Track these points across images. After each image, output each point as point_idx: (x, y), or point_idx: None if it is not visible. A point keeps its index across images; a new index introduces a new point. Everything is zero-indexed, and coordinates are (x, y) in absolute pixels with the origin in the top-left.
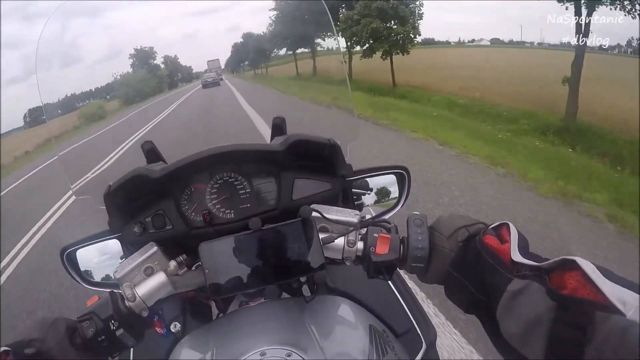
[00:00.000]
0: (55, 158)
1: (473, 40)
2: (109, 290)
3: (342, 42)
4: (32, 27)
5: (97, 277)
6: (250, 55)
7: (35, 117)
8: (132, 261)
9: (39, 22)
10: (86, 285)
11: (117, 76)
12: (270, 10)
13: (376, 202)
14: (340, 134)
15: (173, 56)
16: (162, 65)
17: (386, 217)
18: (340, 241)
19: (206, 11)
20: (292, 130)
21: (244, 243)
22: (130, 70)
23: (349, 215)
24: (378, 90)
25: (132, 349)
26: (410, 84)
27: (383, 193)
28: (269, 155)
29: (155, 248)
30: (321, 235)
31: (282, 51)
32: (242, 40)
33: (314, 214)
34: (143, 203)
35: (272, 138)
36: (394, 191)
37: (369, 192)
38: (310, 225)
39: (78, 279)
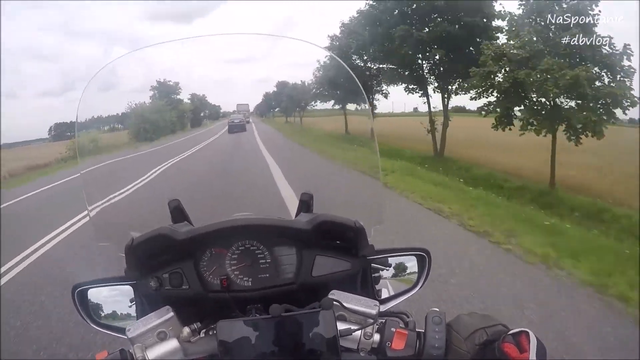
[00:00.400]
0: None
1: None
2: (115, 334)
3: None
4: (74, 45)
5: (105, 317)
6: (283, 103)
7: (59, 132)
8: (146, 323)
9: (82, 42)
10: (93, 326)
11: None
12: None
13: (394, 276)
14: (366, 214)
15: (201, 95)
16: (188, 101)
17: (402, 298)
18: (357, 333)
19: (241, 60)
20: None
21: (262, 326)
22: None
23: (368, 306)
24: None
25: None
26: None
27: (401, 268)
28: (295, 232)
29: (171, 314)
30: (339, 326)
31: (323, 104)
32: (275, 89)
33: (334, 303)
34: (162, 260)
35: (297, 213)
36: (411, 266)
37: (387, 268)
38: (329, 316)
39: (87, 318)
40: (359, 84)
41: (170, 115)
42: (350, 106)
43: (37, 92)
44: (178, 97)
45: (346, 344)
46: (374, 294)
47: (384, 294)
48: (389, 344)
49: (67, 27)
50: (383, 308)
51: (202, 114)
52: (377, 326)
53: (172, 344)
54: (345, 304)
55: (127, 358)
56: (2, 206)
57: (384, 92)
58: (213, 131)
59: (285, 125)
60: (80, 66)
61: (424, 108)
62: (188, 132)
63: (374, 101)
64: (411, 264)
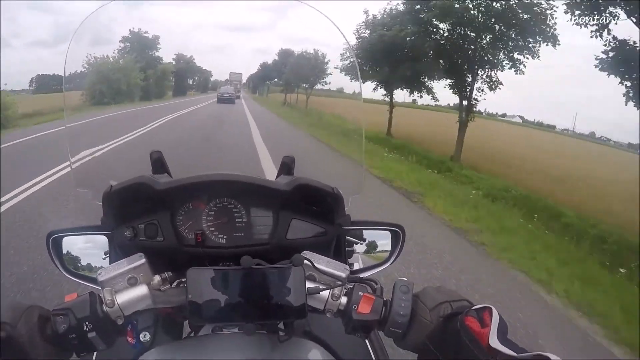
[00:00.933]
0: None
1: (504, 115)
2: (87, 284)
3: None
4: None
5: (78, 267)
6: (284, 75)
7: (41, 84)
8: (117, 267)
9: None
10: (65, 274)
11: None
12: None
13: (366, 252)
14: (345, 184)
15: (188, 56)
16: (172, 62)
17: (374, 271)
18: (325, 292)
19: (240, 28)
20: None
21: (232, 277)
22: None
23: (338, 269)
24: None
25: (95, 352)
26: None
27: (375, 245)
28: (273, 192)
29: (143, 260)
30: (308, 284)
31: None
32: (276, 58)
33: (305, 262)
34: (139, 209)
35: (278, 174)
36: (385, 244)
37: (361, 242)
38: (299, 273)
39: (59, 266)
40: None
41: (138, 76)
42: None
43: (29, 42)
44: (156, 53)
45: (313, 304)
46: (346, 264)
47: (355, 266)
48: (355, 307)
49: None
50: (356, 276)
51: (189, 81)
52: (345, 289)
53: (141, 289)
54: (316, 264)
55: (95, 300)
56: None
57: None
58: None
59: (284, 108)
60: (75, 19)
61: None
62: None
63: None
64: (384, 241)
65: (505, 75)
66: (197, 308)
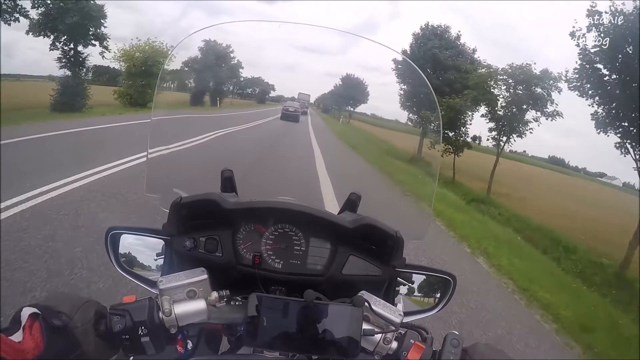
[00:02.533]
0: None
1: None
2: (138, 282)
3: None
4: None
5: (131, 265)
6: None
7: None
8: (178, 278)
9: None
10: (119, 269)
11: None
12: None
13: (410, 294)
14: (409, 227)
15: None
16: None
17: (421, 316)
18: (377, 336)
19: (309, 49)
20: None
21: (291, 307)
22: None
23: (393, 313)
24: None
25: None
26: None
27: (419, 289)
28: (336, 228)
29: (205, 276)
30: (363, 326)
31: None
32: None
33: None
34: (202, 223)
35: (342, 209)
36: (429, 288)
37: (410, 284)
38: (357, 313)
39: (114, 261)
40: (435, 97)
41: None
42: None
43: (112, 38)
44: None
45: (364, 345)
46: (394, 305)
47: (399, 307)
48: (405, 354)
49: None
50: (404, 320)
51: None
52: (396, 334)
53: (199, 304)
54: (373, 306)
55: (154, 307)
56: None
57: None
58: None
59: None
60: (157, 20)
61: None
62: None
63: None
64: (430, 285)
65: None
66: (253, 331)
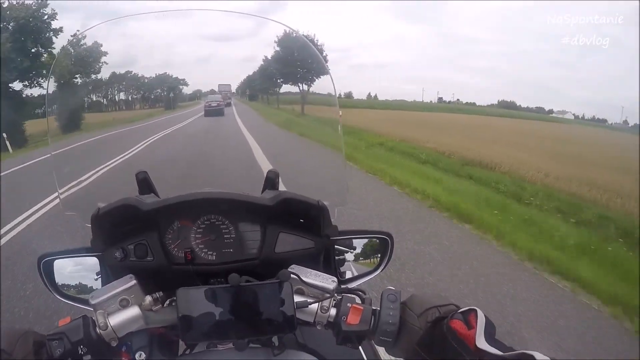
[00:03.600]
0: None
1: None
2: (80, 305)
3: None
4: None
5: (70, 289)
6: (257, 85)
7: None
8: (108, 290)
9: (60, 16)
10: (59, 297)
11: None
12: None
13: (357, 260)
14: (330, 195)
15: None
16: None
17: (363, 280)
18: (314, 305)
19: (222, 38)
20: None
21: (221, 295)
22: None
23: (326, 281)
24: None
25: None
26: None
27: (365, 251)
28: (258, 208)
29: (133, 282)
30: (296, 299)
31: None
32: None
33: (292, 276)
34: (128, 230)
35: (263, 189)
36: (375, 250)
37: (352, 250)
38: (287, 288)
39: (51, 289)
40: (326, 65)
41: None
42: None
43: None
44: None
45: (303, 317)
46: (336, 275)
47: (348, 276)
48: (344, 318)
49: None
50: (347, 286)
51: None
52: (334, 301)
53: (133, 311)
54: (303, 278)
55: (89, 323)
56: None
57: None
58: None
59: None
60: (56, 40)
61: None
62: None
63: None
64: (373, 247)
65: None
66: (189, 326)
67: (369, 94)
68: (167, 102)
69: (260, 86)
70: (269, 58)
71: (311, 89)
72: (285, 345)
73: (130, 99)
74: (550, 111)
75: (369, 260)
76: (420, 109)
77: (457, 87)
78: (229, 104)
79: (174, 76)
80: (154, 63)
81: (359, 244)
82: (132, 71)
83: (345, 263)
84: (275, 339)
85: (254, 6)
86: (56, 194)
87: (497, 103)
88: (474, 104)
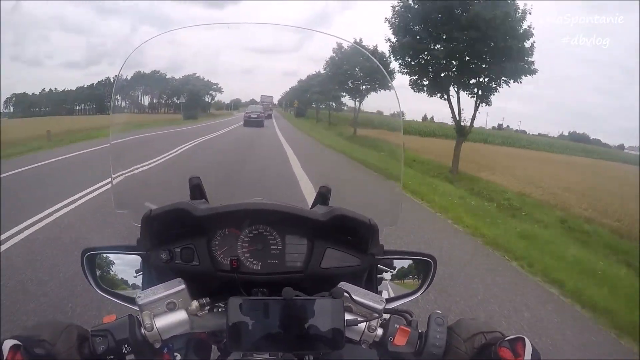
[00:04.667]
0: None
1: None
2: (119, 302)
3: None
4: (103, 19)
5: (110, 284)
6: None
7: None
8: (157, 292)
9: (111, 17)
10: (99, 291)
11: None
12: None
13: (394, 279)
14: (381, 214)
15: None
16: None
17: (405, 301)
18: (362, 324)
19: (266, 50)
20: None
21: (272, 307)
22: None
23: (375, 301)
24: None
25: None
26: None
27: (402, 272)
28: (309, 222)
29: (182, 286)
30: (346, 316)
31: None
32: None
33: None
34: (176, 234)
35: (314, 204)
36: (412, 271)
37: (391, 270)
38: (338, 305)
39: (93, 283)
40: (390, 80)
41: None
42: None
43: (62, 62)
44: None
45: (350, 335)
46: (377, 292)
47: (384, 295)
48: (391, 339)
49: (97, 1)
50: (388, 306)
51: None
52: (381, 321)
53: (180, 315)
54: (353, 296)
55: (134, 323)
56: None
57: None
58: None
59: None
60: (107, 41)
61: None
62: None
63: None
64: (413, 268)
65: None
66: (237, 335)
67: (425, 115)
68: (188, 109)
69: (311, 99)
70: (321, 72)
71: (369, 106)
72: None
73: (163, 102)
74: (621, 146)
75: (406, 281)
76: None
77: (505, 113)
78: (269, 116)
79: (204, 79)
80: (198, 69)
81: (398, 263)
82: (175, 77)
83: (383, 282)
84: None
85: (319, 6)
86: (108, 180)
87: (567, 134)
88: (546, 135)
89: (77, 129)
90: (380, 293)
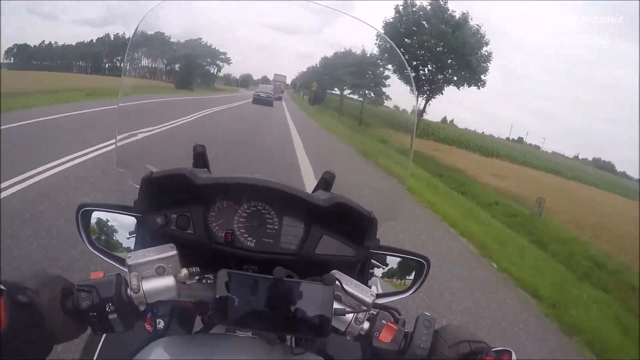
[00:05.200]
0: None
1: None
2: (109, 260)
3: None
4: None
5: (102, 242)
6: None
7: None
8: (147, 254)
9: None
10: (90, 248)
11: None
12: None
13: (385, 276)
14: (382, 209)
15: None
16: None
17: (394, 298)
18: (349, 315)
19: (284, 29)
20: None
21: (261, 285)
22: None
23: (365, 293)
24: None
25: None
26: None
27: (394, 272)
28: (310, 206)
29: (174, 252)
30: (334, 305)
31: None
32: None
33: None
34: (174, 199)
35: (316, 188)
36: (403, 271)
37: (383, 267)
38: (328, 292)
39: (85, 239)
40: (411, 75)
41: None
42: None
43: (77, 19)
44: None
45: (335, 324)
46: (367, 285)
47: (373, 290)
48: (376, 334)
49: None
50: (377, 301)
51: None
52: (368, 315)
53: (168, 280)
54: (344, 286)
55: (121, 283)
56: None
57: None
58: None
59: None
60: (124, 3)
61: None
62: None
63: None
64: (404, 268)
65: None
66: (223, 309)
67: (445, 117)
68: (182, 77)
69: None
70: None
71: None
72: (307, 348)
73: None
74: None
75: (396, 279)
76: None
77: (513, 123)
78: (279, 98)
79: (211, 46)
80: (213, 42)
81: (391, 261)
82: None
83: (372, 277)
84: (289, 338)
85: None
86: (113, 141)
87: (591, 160)
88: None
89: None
90: (370, 287)
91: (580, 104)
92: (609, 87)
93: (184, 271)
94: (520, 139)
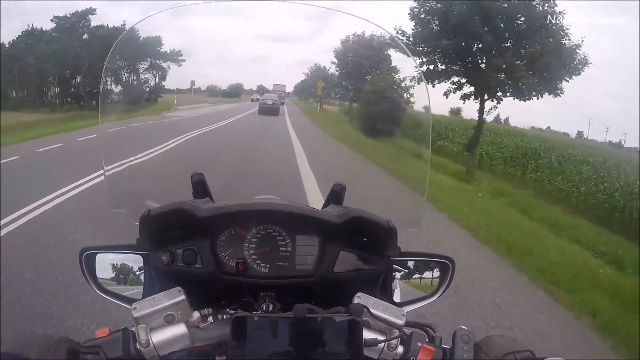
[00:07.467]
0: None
1: None
2: (120, 302)
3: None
4: (114, 7)
5: (111, 281)
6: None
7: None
8: (154, 303)
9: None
10: (99, 292)
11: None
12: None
13: (403, 278)
14: (401, 216)
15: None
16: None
17: (420, 304)
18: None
19: (278, 39)
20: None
21: (282, 326)
22: None
23: (395, 315)
24: None
25: None
26: None
27: (417, 272)
28: (322, 223)
29: (182, 297)
30: (364, 335)
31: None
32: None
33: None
34: (178, 234)
35: (326, 203)
36: (428, 275)
37: (406, 269)
38: (357, 324)
39: (92, 283)
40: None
41: None
42: None
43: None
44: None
45: (367, 353)
46: (391, 297)
47: (396, 295)
48: (413, 359)
49: None
50: (404, 308)
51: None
52: (401, 337)
53: (179, 328)
54: (372, 311)
55: (129, 338)
56: None
57: None
58: None
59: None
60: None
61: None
62: None
63: None
64: (425, 267)
65: None
66: (242, 357)
67: (498, 115)
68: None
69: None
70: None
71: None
72: None
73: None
74: None
75: (419, 281)
76: None
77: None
78: (282, 104)
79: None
80: (209, 58)
81: (410, 263)
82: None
83: (395, 280)
84: None
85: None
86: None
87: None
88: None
89: None
90: (392, 292)
91: None
92: None
93: (196, 315)
94: (611, 142)
